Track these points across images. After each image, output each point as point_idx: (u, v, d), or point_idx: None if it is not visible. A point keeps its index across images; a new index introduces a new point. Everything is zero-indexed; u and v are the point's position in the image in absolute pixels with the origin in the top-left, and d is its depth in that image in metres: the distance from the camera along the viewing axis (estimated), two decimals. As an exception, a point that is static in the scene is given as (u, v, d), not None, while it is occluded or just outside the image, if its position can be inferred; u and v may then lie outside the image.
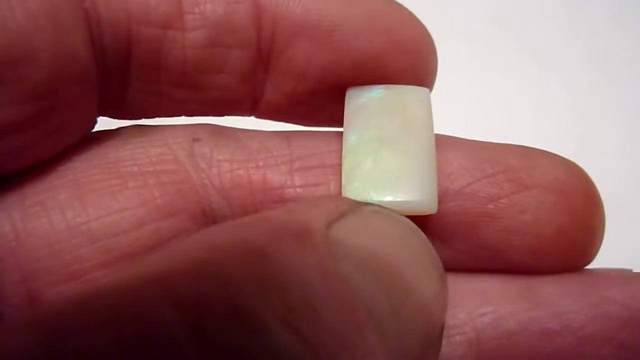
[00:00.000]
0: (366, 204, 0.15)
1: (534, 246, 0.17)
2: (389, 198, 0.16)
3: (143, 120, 0.18)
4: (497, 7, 0.40)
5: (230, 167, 0.17)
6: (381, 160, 0.16)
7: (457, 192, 0.17)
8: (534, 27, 0.40)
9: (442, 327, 0.14)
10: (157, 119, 0.18)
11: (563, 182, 0.17)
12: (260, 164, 0.17)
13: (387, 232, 0.14)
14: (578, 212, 0.17)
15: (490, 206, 0.17)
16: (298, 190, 0.17)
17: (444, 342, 0.17)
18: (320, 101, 0.18)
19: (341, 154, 0.17)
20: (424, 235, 0.14)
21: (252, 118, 0.18)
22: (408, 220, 0.15)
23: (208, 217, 0.17)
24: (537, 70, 0.38)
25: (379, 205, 0.15)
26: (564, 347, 0.16)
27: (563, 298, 0.17)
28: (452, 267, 0.17)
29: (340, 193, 0.16)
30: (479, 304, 0.17)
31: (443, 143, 0.17)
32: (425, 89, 0.17)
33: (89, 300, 0.10)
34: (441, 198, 0.17)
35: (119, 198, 0.16)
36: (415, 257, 0.14)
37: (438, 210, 0.16)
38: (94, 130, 0.17)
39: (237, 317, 0.10)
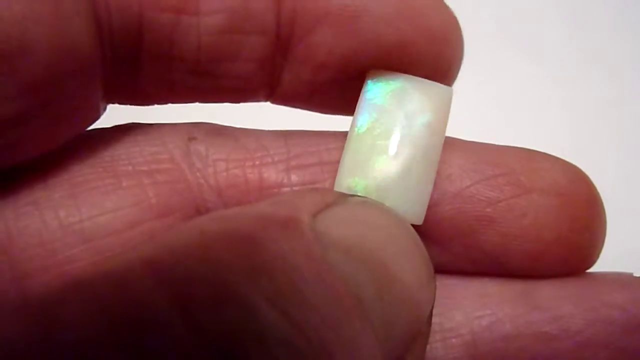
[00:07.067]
0: (352, 195, 0.15)
1: (534, 251, 0.17)
2: (377, 200, 0.15)
3: (153, 113, 0.17)
4: (495, 6, 0.40)
5: (226, 166, 0.17)
6: (381, 158, 0.16)
7: (456, 195, 0.17)
8: (532, 25, 0.40)
9: (430, 316, 0.14)
10: (155, 117, 0.17)
11: (564, 186, 0.17)
12: (257, 162, 0.17)
13: (373, 222, 0.14)
14: (579, 217, 0.17)
15: (489, 210, 0.17)
16: (295, 189, 0.17)
17: (439, 344, 0.17)
18: (340, 90, 0.17)
19: (339, 152, 0.16)
20: (409, 226, 0.14)
21: (252, 116, 0.18)
22: (394, 211, 0.15)
23: None
24: (535, 68, 0.38)
25: (365, 197, 0.15)
26: (562, 351, 0.16)
27: (562, 302, 0.17)
28: (449, 270, 0.17)
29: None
30: (476, 307, 0.17)
31: (444, 144, 0.17)
32: (448, 88, 0.16)
33: (80, 287, 0.10)
34: (439, 200, 0.16)
35: (113, 197, 0.16)
36: (401, 246, 0.14)
37: (435, 213, 0.16)
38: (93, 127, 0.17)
39: (225, 299, 0.10)
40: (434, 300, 0.14)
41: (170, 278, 0.10)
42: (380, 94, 0.16)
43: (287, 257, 0.11)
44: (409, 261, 0.13)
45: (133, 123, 0.17)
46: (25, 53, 0.13)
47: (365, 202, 0.14)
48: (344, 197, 0.14)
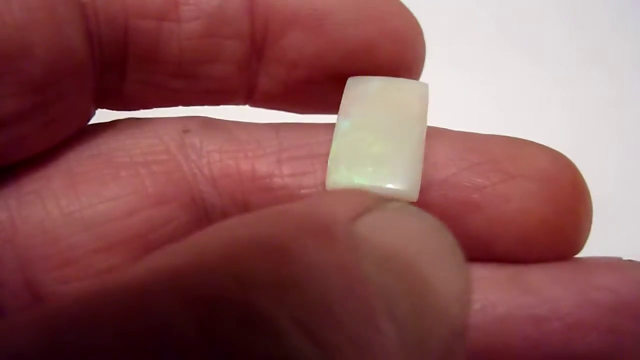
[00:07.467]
0: (391, 200, 0.14)
1: (520, 235, 0.17)
2: (371, 183, 0.16)
3: (141, 111, 0.18)
4: (495, 4, 0.40)
5: (219, 157, 0.17)
6: (369, 147, 0.16)
7: (442, 182, 0.17)
8: (531, 24, 0.40)
9: (464, 331, 0.13)
10: (150, 113, 0.18)
11: (548, 171, 0.17)
12: (249, 154, 0.17)
13: (412, 230, 0.13)
14: (563, 201, 0.17)
15: (475, 196, 0.17)
16: (286, 179, 0.17)
17: None
18: (313, 89, 0.18)
19: (329, 144, 0.17)
20: (449, 234, 0.14)
21: (246, 112, 0.19)
22: (434, 218, 0.14)
23: (199, 206, 0.17)
24: (534, 67, 0.38)
25: (404, 203, 0.14)
26: (553, 333, 0.17)
27: (552, 285, 0.17)
28: None
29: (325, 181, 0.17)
30: None
31: (430, 134, 0.17)
32: (424, 84, 0.18)
33: (95, 297, 0.10)
34: (425, 188, 0.17)
35: (112, 187, 0.16)
36: (440, 256, 0.13)
37: (423, 200, 0.17)
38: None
39: (250, 320, 0.09)
40: (469, 312, 0.13)
41: (193, 293, 0.10)
42: (360, 93, 0.17)
43: (319, 269, 0.11)
44: (447, 272, 0.13)
45: (129, 117, 0.18)
46: (25, 54, 0.15)
47: (404, 209, 0.14)
48: (383, 202, 0.14)
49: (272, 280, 0.10)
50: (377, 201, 0.13)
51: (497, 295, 0.17)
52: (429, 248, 0.13)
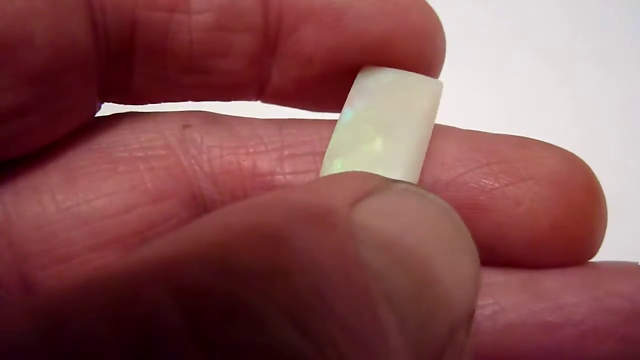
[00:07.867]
0: (396, 181, 0.13)
1: (530, 240, 0.16)
2: None
3: (149, 105, 0.18)
4: (502, 3, 0.40)
5: (219, 153, 0.17)
6: (368, 143, 0.16)
7: (448, 183, 0.17)
8: (537, 23, 0.40)
9: (472, 313, 0.12)
10: (151, 106, 0.18)
11: (560, 173, 0.17)
12: (251, 150, 0.17)
13: (417, 213, 0.13)
14: (576, 205, 0.17)
15: (482, 198, 0.16)
16: (287, 177, 0.17)
17: None
18: (328, 86, 0.17)
19: None
20: (458, 217, 0.13)
21: (250, 106, 0.18)
22: (442, 200, 0.13)
23: (198, 202, 0.17)
24: (540, 66, 0.38)
25: (411, 184, 0.14)
26: (565, 340, 0.16)
27: (565, 291, 0.16)
28: None
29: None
30: (479, 296, 0.17)
31: (438, 132, 0.17)
32: (439, 82, 0.17)
33: (89, 285, 0.10)
34: (431, 188, 0.16)
35: (109, 182, 0.16)
36: (447, 241, 0.12)
37: None
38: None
39: (237, 313, 0.09)
40: (477, 298, 0.13)
41: (181, 284, 0.10)
42: (370, 85, 0.17)
43: (313, 257, 0.10)
44: (453, 257, 0.12)
45: (130, 111, 0.18)
46: (25, 45, 0.14)
47: (410, 190, 0.13)
48: (387, 183, 0.13)
49: (259, 269, 0.10)
50: (381, 183, 0.13)
51: (508, 301, 0.16)
52: (434, 232, 0.12)
